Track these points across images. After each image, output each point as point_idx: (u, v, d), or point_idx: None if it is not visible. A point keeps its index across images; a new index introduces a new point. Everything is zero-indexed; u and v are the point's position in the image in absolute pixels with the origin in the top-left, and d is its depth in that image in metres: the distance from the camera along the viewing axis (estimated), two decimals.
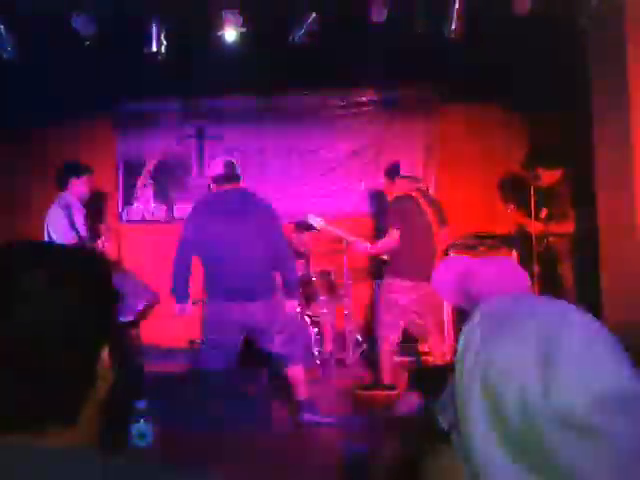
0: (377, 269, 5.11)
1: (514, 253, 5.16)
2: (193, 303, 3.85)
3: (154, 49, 4.17)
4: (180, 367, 4.95)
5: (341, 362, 5.16)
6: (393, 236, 4.31)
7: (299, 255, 5.38)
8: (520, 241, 5.19)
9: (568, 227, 4.79)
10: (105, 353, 0.82)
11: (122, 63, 4.76)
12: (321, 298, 5.03)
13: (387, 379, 4.37)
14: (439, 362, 4.41)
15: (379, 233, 4.69)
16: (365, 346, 5.27)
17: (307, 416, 3.68)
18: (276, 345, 3.70)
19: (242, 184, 3.86)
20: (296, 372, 3.78)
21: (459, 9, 4.13)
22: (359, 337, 5.33)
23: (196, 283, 3.89)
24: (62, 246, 0.90)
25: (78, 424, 0.78)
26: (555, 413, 0.65)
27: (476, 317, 0.82)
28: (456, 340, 5.07)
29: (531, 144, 5.46)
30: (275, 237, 3.74)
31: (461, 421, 0.76)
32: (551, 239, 4.92)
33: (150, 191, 6.16)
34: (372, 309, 5.44)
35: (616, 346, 0.72)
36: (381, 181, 5.92)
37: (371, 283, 5.61)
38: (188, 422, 2.44)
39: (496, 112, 5.64)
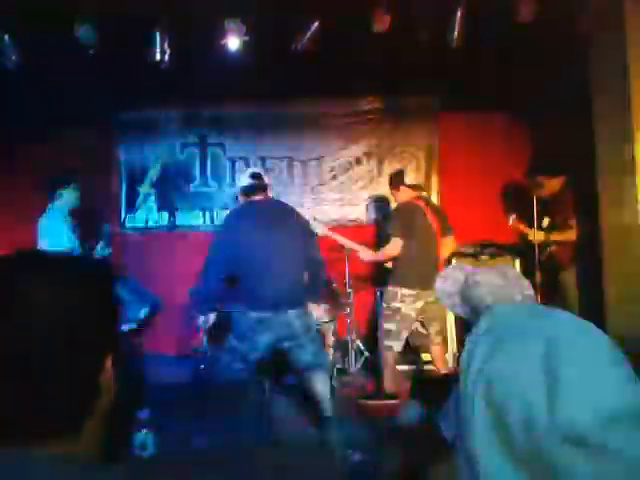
0: (380, 277, 5.10)
1: (517, 262, 5.15)
2: (213, 311, 3.81)
3: (157, 58, 4.18)
4: (182, 376, 4.94)
5: (343, 371, 5.14)
6: (396, 244, 4.30)
7: None
8: (523, 250, 5.18)
9: (570, 235, 4.77)
10: (108, 363, 0.81)
11: (124, 71, 4.78)
12: (323, 306, 5.01)
13: (390, 388, 4.35)
14: (442, 371, 4.38)
15: (382, 241, 4.68)
16: (367, 355, 5.25)
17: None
18: (308, 354, 3.65)
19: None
20: (323, 383, 3.71)
21: (461, 18, 4.14)
22: (361, 346, 5.31)
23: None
24: (65, 255, 0.90)
25: (80, 434, 0.78)
26: (560, 429, 0.64)
27: (478, 330, 0.81)
28: (459, 349, 5.05)
29: (533, 152, 5.46)
30: (307, 241, 3.72)
31: (465, 434, 0.75)
32: (553, 247, 4.91)
33: (152, 199, 6.16)
34: (374, 318, 5.43)
35: (621, 358, 0.71)
36: (383, 189, 5.95)
37: (373, 291, 5.60)
38: (189, 432, 2.43)
39: (497, 121, 5.65)
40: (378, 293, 5.34)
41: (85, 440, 0.79)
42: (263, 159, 6.14)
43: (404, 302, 4.28)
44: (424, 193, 4.75)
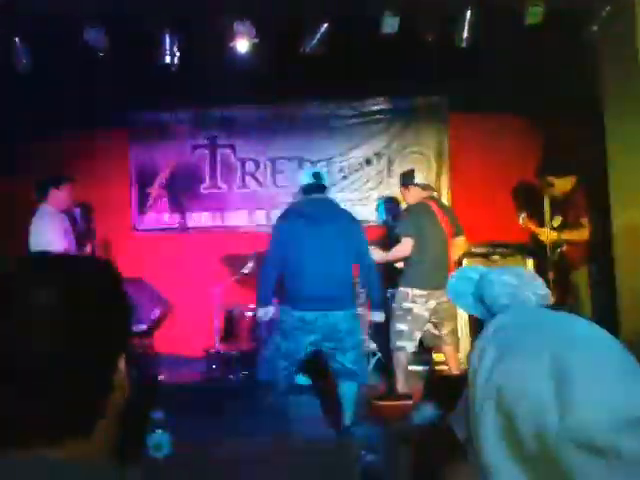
0: (391, 278, 5.09)
1: (529, 261, 5.13)
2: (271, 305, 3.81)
3: (167, 60, 4.20)
4: (195, 376, 4.96)
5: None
6: (406, 244, 4.30)
7: None
8: (534, 249, 5.16)
9: (582, 235, 4.74)
10: (121, 363, 0.82)
11: (135, 74, 4.80)
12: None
13: (402, 389, 4.35)
14: (455, 372, 4.37)
15: (392, 241, 4.68)
16: (379, 355, 5.25)
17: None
18: (348, 360, 3.65)
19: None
20: (354, 390, 3.72)
21: (471, 18, 4.13)
22: (373, 346, 5.30)
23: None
24: (76, 257, 0.90)
25: (94, 435, 0.78)
26: (571, 434, 0.64)
27: (488, 333, 0.80)
28: (471, 350, 5.05)
29: (544, 152, 5.43)
30: (361, 248, 3.75)
31: (475, 436, 0.76)
32: (565, 247, 4.88)
33: (163, 200, 6.19)
34: (386, 318, 5.42)
35: (631, 361, 0.71)
36: (393, 190, 5.94)
37: (385, 292, 5.58)
38: (203, 433, 2.44)
39: (508, 120, 5.62)
40: (389, 294, 5.33)
41: (99, 441, 0.79)
42: (273, 160, 6.15)
43: (416, 302, 4.27)
44: (434, 193, 4.74)
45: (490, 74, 4.84)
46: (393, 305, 4.51)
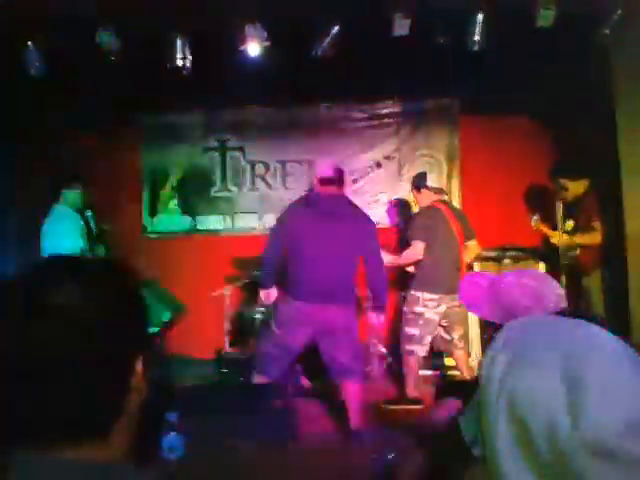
0: (402, 281, 5.08)
1: (540, 265, 5.10)
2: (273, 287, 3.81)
3: (179, 63, 4.21)
4: (204, 378, 4.97)
5: (366, 375, 5.12)
6: (417, 247, 4.28)
7: None
8: (546, 253, 5.13)
9: (594, 238, 4.71)
10: (138, 365, 0.82)
11: (146, 76, 4.82)
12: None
13: (413, 393, 4.33)
14: (466, 376, 4.35)
15: (403, 245, 4.67)
16: (390, 359, 5.23)
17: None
18: (344, 357, 3.63)
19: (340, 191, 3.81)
20: (355, 390, 3.69)
21: (482, 21, 4.12)
22: (384, 350, 5.29)
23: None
24: (93, 260, 0.91)
25: (111, 437, 0.78)
26: (585, 442, 0.64)
27: (500, 341, 0.80)
28: (483, 354, 5.02)
29: (556, 155, 5.40)
30: (371, 249, 3.70)
31: (488, 444, 0.75)
32: (577, 251, 4.85)
33: (173, 203, 6.22)
34: (397, 322, 5.41)
35: None
36: (404, 193, 5.93)
37: (396, 295, 5.57)
38: (214, 435, 2.44)
39: (520, 123, 5.60)
40: (401, 297, 5.31)
41: (116, 442, 0.80)
42: (283, 162, 6.15)
43: (427, 307, 4.26)
44: (446, 197, 4.72)
45: (501, 76, 4.83)
46: (404, 309, 4.49)
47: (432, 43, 4.37)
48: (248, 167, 6.21)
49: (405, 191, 5.94)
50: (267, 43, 4.22)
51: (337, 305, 3.56)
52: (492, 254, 5.21)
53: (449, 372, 5.05)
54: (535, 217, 4.98)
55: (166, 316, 4.79)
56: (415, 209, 4.86)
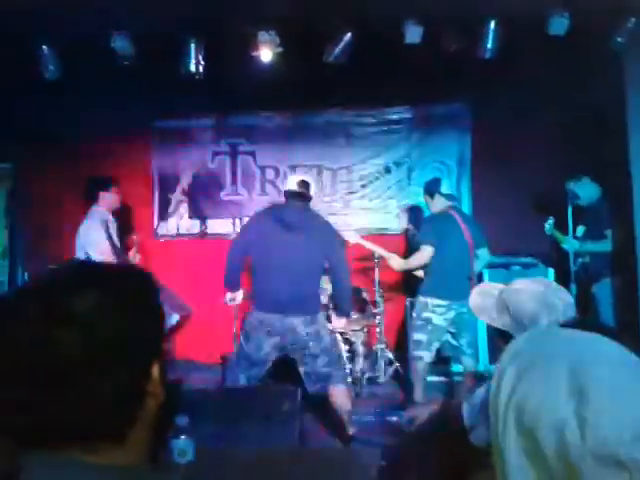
0: (410, 287, 5.07)
1: (550, 272, 5.08)
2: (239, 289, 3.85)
3: (192, 69, 4.24)
4: (211, 383, 4.97)
5: (372, 381, 5.12)
6: (426, 252, 4.27)
7: (325, 271, 5.37)
8: (556, 260, 5.11)
9: (606, 246, 4.69)
10: (155, 370, 0.83)
11: (158, 81, 4.86)
12: (353, 316, 5.00)
13: (420, 399, 4.32)
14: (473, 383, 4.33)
15: (413, 250, 4.66)
16: (397, 365, 5.22)
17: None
18: (319, 365, 3.66)
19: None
20: (340, 393, 3.70)
21: (495, 28, 4.13)
22: (391, 355, 5.28)
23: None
24: (111, 265, 0.92)
25: (128, 441, 0.79)
26: (594, 453, 0.64)
27: (508, 353, 0.81)
28: (490, 361, 4.98)
29: (568, 161, 5.38)
30: (336, 257, 3.74)
31: (496, 453, 0.76)
32: (588, 258, 4.83)
33: (184, 207, 6.25)
34: (404, 327, 5.40)
35: None
36: (413, 198, 5.93)
37: (403, 301, 5.57)
38: (221, 439, 2.45)
39: (531, 129, 5.58)
40: (408, 303, 5.31)
41: (132, 447, 0.80)
42: (293, 167, 6.17)
43: (435, 313, 4.24)
44: (457, 204, 4.69)
45: (513, 83, 4.83)
46: (412, 315, 4.49)
47: (444, 50, 4.37)
48: (258, 172, 6.23)
49: (414, 196, 5.95)
50: (279, 49, 4.25)
51: (299, 314, 3.60)
52: (502, 261, 5.19)
53: (456, 378, 5.03)
54: (549, 221, 4.95)
55: (173, 319, 4.81)
56: (426, 214, 4.85)
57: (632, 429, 0.65)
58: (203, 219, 6.20)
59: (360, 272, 5.71)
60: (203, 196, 6.23)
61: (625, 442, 0.64)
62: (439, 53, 4.43)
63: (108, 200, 4.60)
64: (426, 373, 4.39)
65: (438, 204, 4.44)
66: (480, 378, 4.22)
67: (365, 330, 5.13)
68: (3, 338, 0.75)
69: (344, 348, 4.96)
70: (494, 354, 4.95)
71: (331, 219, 6.01)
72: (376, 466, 2.09)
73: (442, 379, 5.14)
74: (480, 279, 5.08)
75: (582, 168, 5.00)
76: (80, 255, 4.36)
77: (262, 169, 6.22)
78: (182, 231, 6.22)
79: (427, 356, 4.28)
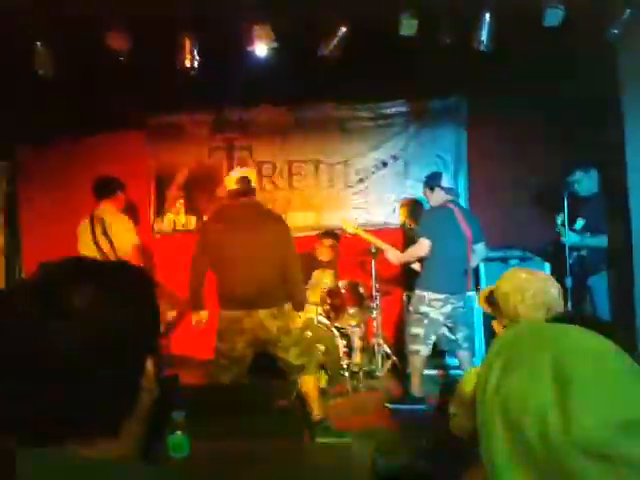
0: (407, 281, 5.08)
1: (546, 265, 5.09)
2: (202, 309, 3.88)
3: (187, 64, 4.23)
4: (206, 378, 4.98)
5: (370, 375, 5.13)
6: (423, 245, 4.28)
7: (322, 264, 5.38)
8: (552, 253, 5.11)
9: (602, 240, 4.69)
10: (150, 366, 0.83)
11: (154, 76, 4.84)
12: (350, 310, 5.02)
13: (416, 393, 4.33)
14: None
15: (410, 244, 4.66)
16: (394, 359, 5.24)
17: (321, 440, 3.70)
18: (292, 357, 3.74)
19: (257, 196, 3.94)
20: (308, 383, 3.79)
21: (490, 20, 4.11)
22: (388, 349, 5.30)
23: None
24: (107, 262, 0.93)
25: (121, 435, 0.80)
26: (577, 445, 0.65)
27: (494, 349, 0.82)
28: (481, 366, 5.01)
29: (565, 154, 5.38)
30: (288, 248, 3.80)
31: (484, 449, 0.77)
32: (585, 252, 4.83)
33: (180, 202, 6.24)
34: (402, 321, 5.41)
35: (635, 369, 0.72)
36: (410, 192, 5.93)
37: (401, 295, 5.58)
38: (217, 434, 2.46)
39: (528, 122, 5.58)
40: (405, 296, 5.32)
41: (126, 440, 0.81)
42: (289, 162, 6.17)
43: (432, 306, 4.26)
44: (456, 198, 4.68)
45: (509, 75, 4.82)
46: (409, 308, 4.50)
47: (439, 43, 4.36)
48: (255, 167, 6.22)
49: (411, 190, 5.95)
50: (274, 44, 4.23)
51: (263, 308, 3.65)
52: (498, 254, 5.21)
53: (453, 372, 5.05)
54: (560, 218, 4.80)
55: (171, 315, 4.82)
56: (425, 208, 4.85)
57: (616, 421, 0.65)
58: (200, 215, 6.19)
59: (357, 266, 5.71)
60: (200, 192, 6.22)
61: (609, 434, 0.65)
62: (435, 46, 4.42)
63: (120, 200, 4.67)
64: (423, 366, 4.40)
65: (438, 198, 4.44)
66: None
67: (362, 324, 5.14)
68: (0, 333, 0.75)
69: (341, 343, 4.97)
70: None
71: (328, 213, 6.09)
72: (371, 461, 2.11)
73: (439, 372, 5.16)
74: (476, 273, 5.09)
75: (578, 161, 4.99)
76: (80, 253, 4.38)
77: (259, 164, 6.20)
78: (178, 227, 6.21)
79: (424, 350, 4.30)
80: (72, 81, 4.82)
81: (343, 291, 5.07)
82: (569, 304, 4.40)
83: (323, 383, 4.63)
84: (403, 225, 5.98)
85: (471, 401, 1.07)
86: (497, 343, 0.82)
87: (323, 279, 5.27)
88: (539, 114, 5.47)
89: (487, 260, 5.05)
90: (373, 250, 5.09)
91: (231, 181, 3.88)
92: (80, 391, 0.75)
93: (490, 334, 4.92)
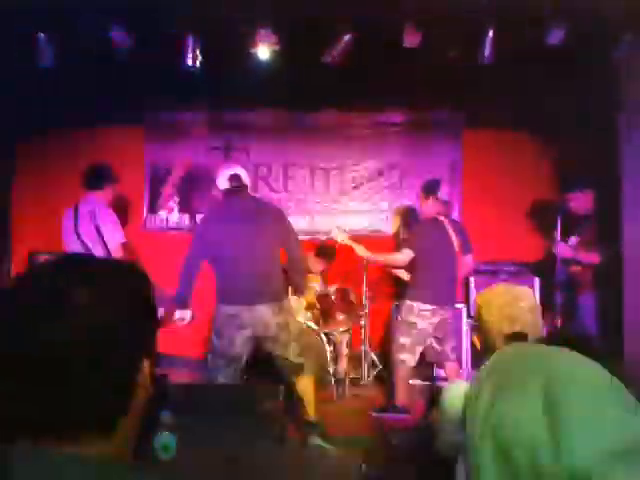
0: (397, 290, 5.09)
1: (536, 280, 5.11)
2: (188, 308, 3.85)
3: (189, 63, 4.23)
4: (194, 377, 4.96)
5: (355, 382, 5.13)
6: (404, 254, 4.32)
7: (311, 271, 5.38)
8: (542, 269, 5.13)
9: (594, 257, 4.71)
10: (145, 365, 0.83)
11: (155, 74, 4.84)
12: (339, 316, 5.02)
13: (402, 402, 4.34)
14: None
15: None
16: (380, 367, 5.24)
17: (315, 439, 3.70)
18: (291, 354, 3.72)
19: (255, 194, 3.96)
20: (306, 384, 3.77)
21: (492, 36, 4.15)
22: (375, 358, 5.30)
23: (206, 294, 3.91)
24: (107, 261, 0.92)
25: (115, 434, 0.80)
26: (565, 468, 0.65)
27: (484, 372, 0.82)
28: (474, 367, 5.01)
29: (560, 170, 5.42)
30: (288, 238, 3.82)
31: (474, 469, 0.77)
32: (575, 268, 4.84)
33: (174, 200, 6.22)
34: (390, 330, 5.42)
35: (622, 395, 0.72)
36: (404, 201, 5.95)
37: (390, 304, 5.59)
38: (204, 435, 2.45)
39: (523, 137, 5.62)
40: (394, 306, 5.33)
41: (120, 439, 0.81)
42: (285, 165, 6.17)
43: (420, 316, 4.27)
44: (447, 210, 4.70)
45: (506, 90, 4.85)
46: (397, 318, 4.51)
47: (441, 55, 4.39)
48: (251, 168, 6.21)
49: (406, 200, 5.97)
50: (276, 47, 4.24)
51: (262, 303, 3.63)
52: (489, 268, 5.23)
53: (439, 383, 5.05)
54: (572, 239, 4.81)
55: (160, 312, 4.78)
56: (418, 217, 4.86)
57: (603, 447, 0.66)
58: (193, 214, 6.17)
59: (348, 273, 5.72)
60: (194, 190, 6.20)
61: (597, 462, 0.65)
62: (435, 58, 4.45)
63: (108, 194, 4.52)
64: (409, 376, 4.41)
65: (430, 208, 4.45)
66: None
67: (350, 331, 5.15)
68: None
69: (328, 349, 4.97)
70: (478, 360, 4.98)
71: (322, 219, 6.09)
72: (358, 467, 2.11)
73: (425, 382, 5.16)
74: (466, 285, 5.11)
75: (574, 179, 5.03)
76: (74, 246, 4.30)
77: (255, 166, 6.20)
78: (171, 225, 6.19)
79: (411, 359, 4.30)
80: (73, 75, 4.80)
81: (333, 297, 5.07)
82: (558, 322, 4.42)
83: None
84: (396, 233, 5.99)
85: (459, 419, 1.07)
86: (490, 362, 0.82)
87: (311, 281, 5.27)
88: (535, 130, 5.51)
89: (477, 273, 5.07)
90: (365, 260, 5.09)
91: (223, 180, 3.88)
92: (77, 388, 0.75)
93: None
